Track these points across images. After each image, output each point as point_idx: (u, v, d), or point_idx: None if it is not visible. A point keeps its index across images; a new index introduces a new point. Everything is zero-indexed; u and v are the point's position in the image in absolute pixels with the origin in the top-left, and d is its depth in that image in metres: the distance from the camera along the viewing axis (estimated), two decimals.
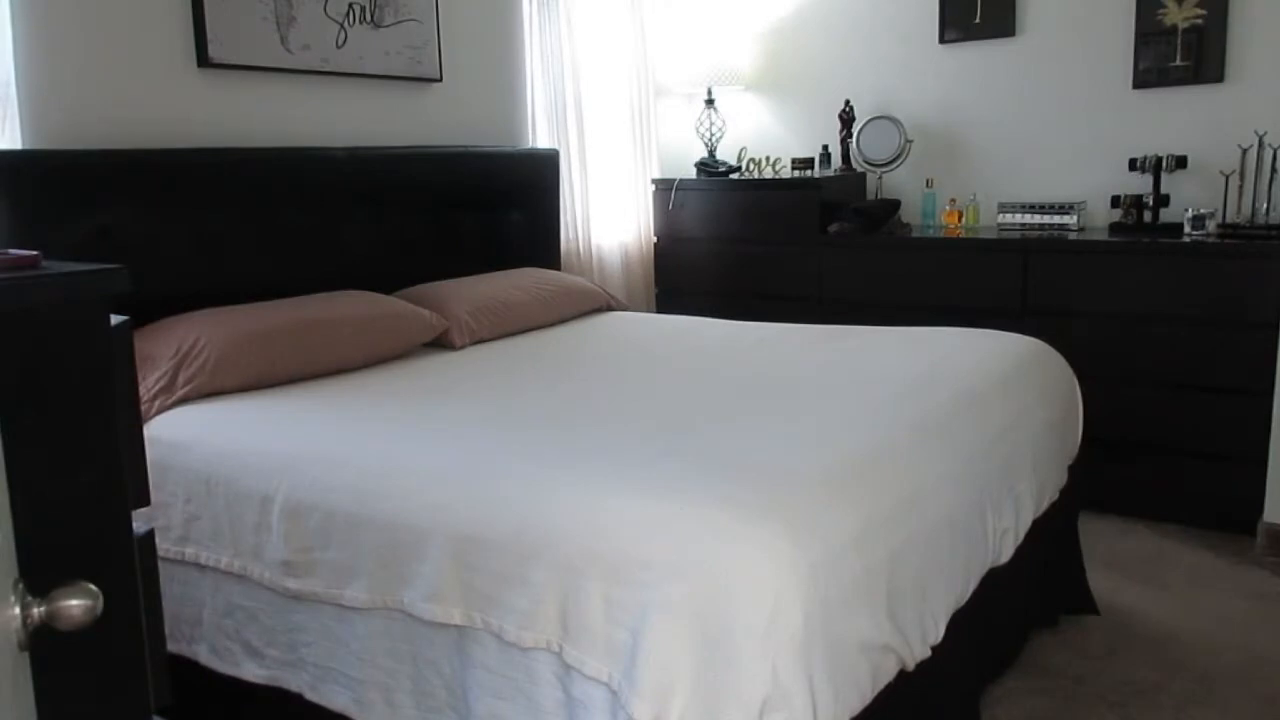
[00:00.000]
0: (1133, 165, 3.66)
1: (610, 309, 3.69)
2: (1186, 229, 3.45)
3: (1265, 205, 3.43)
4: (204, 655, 2.13)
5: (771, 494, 1.68)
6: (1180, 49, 3.62)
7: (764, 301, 3.99)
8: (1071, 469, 2.69)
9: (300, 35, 3.14)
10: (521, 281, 3.46)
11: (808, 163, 4.33)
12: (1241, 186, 3.48)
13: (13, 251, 0.92)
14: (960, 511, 1.98)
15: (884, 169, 4.21)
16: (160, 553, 2.01)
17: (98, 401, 0.89)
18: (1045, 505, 2.42)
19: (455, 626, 1.75)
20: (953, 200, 4.10)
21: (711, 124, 4.49)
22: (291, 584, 1.96)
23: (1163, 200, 3.61)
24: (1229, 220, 3.45)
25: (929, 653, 1.80)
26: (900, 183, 4.25)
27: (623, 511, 1.65)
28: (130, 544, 0.93)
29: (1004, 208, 3.92)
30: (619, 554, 1.59)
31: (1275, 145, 3.41)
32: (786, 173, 4.35)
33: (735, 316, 3.45)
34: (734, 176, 4.40)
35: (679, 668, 1.50)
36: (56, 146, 2.57)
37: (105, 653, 0.88)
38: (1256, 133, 3.42)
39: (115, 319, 0.95)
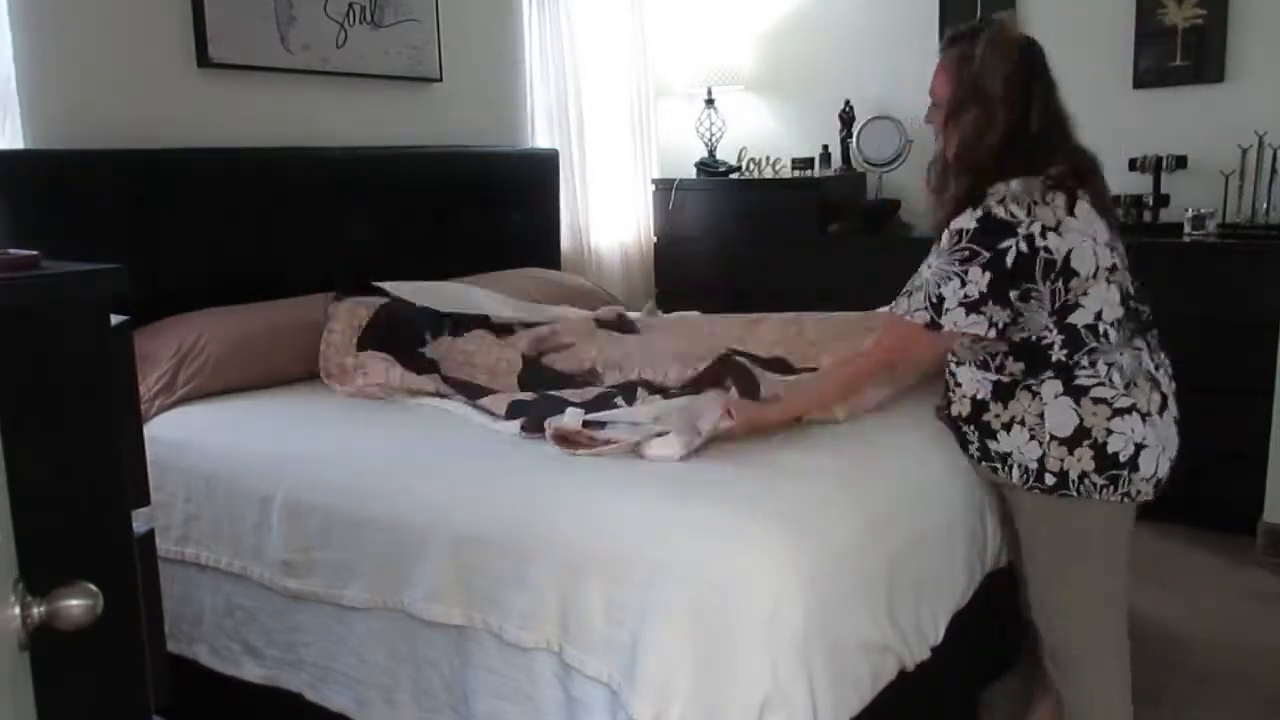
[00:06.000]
0: (1133, 165, 3.65)
1: None
2: (1186, 229, 3.44)
3: (1265, 205, 3.43)
4: (204, 655, 2.13)
5: (772, 495, 1.68)
6: (1180, 49, 3.62)
7: (764, 302, 3.97)
8: None
9: (300, 35, 3.13)
10: (521, 281, 3.46)
11: (808, 163, 4.32)
12: (1241, 186, 3.48)
13: (13, 251, 0.92)
14: (960, 512, 1.98)
15: (884, 169, 4.21)
16: (160, 553, 2.00)
17: (98, 401, 0.89)
18: None
19: (455, 626, 1.75)
20: None
21: (711, 124, 4.49)
22: (291, 584, 1.96)
23: (1163, 200, 3.61)
24: (1229, 220, 3.45)
25: (929, 653, 1.80)
26: (900, 183, 4.24)
27: (622, 512, 1.65)
28: (130, 544, 0.92)
29: None
30: (619, 554, 1.59)
31: (1275, 145, 3.41)
32: (786, 173, 4.34)
33: None
34: (734, 176, 4.40)
35: (679, 668, 1.50)
36: (56, 146, 2.57)
37: (105, 653, 0.88)
38: (1256, 133, 3.42)
39: (115, 319, 0.95)
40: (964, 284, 1.73)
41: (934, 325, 1.77)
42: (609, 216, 4.33)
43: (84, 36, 2.64)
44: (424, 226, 3.47)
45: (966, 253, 1.74)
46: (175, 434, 2.26)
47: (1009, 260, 1.71)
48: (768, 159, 4.43)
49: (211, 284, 2.78)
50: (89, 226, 2.53)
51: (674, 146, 4.67)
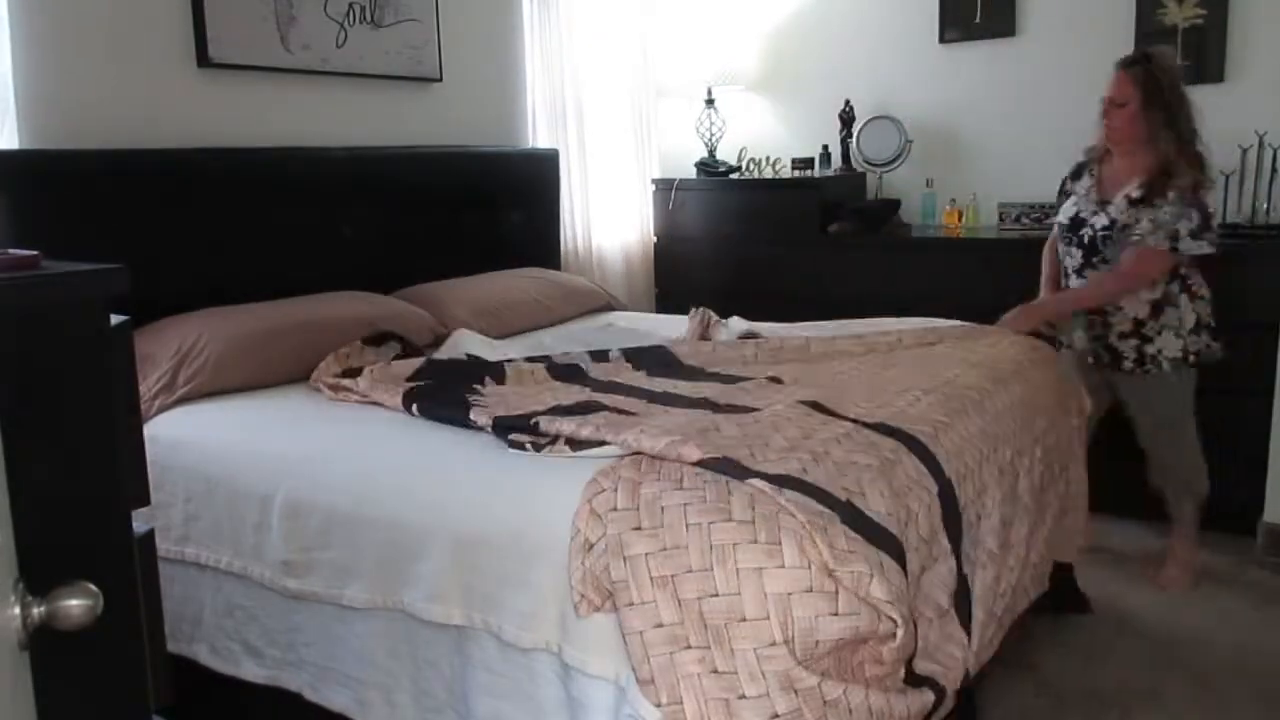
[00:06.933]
0: None
1: (610, 309, 3.69)
2: None
3: (1265, 205, 3.43)
4: (204, 655, 2.13)
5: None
6: (1180, 49, 3.61)
7: (764, 301, 3.98)
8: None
9: (300, 35, 3.13)
10: (521, 282, 3.46)
11: (808, 163, 4.32)
12: (1241, 186, 3.48)
13: (13, 251, 0.92)
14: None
15: (884, 169, 4.21)
16: (160, 553, 2.00)
17: (98, 401, 0.89)
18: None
19: (455, 626, 1.75)
20: (953, 200, 4.10)
21: (712, 124, 4.49)
22: (291, 584, 1.96)
23: None
24: (1229, 220, 3.45)
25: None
26: (900, 183, 4.25)
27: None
28: (130, 544, 0.92)
29: (1004, 208, 3.92)
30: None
31: (1275, 145, 3.41)
32: (786, 173, 4.34)
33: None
34: (734, 176, 4.40)
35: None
36: (56, 146, 2.57)
37: (105, 653, 0.88)
38: (1256, 133, 3.42)
39: (115, 319, 0.95)
40: (1187, 220, 2.68)
41: (1174, 250, 2.71)
42: (609, 216, 4.33)
43: (84, 37, 2.64)
44: (424, 226, 3.47)
45: (1191, 200, 2.68)
46: (175, 434, 2.26)
47: (1209, 205, 2.71)
48: (768, 159, 4.43)
49: (212, 284, 2.78)
50: (89, 226, 2.53)
51: (674, 146, 4.67)
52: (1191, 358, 2.83)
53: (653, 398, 2.17)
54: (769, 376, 2.34)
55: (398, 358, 2.63)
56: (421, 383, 2.33)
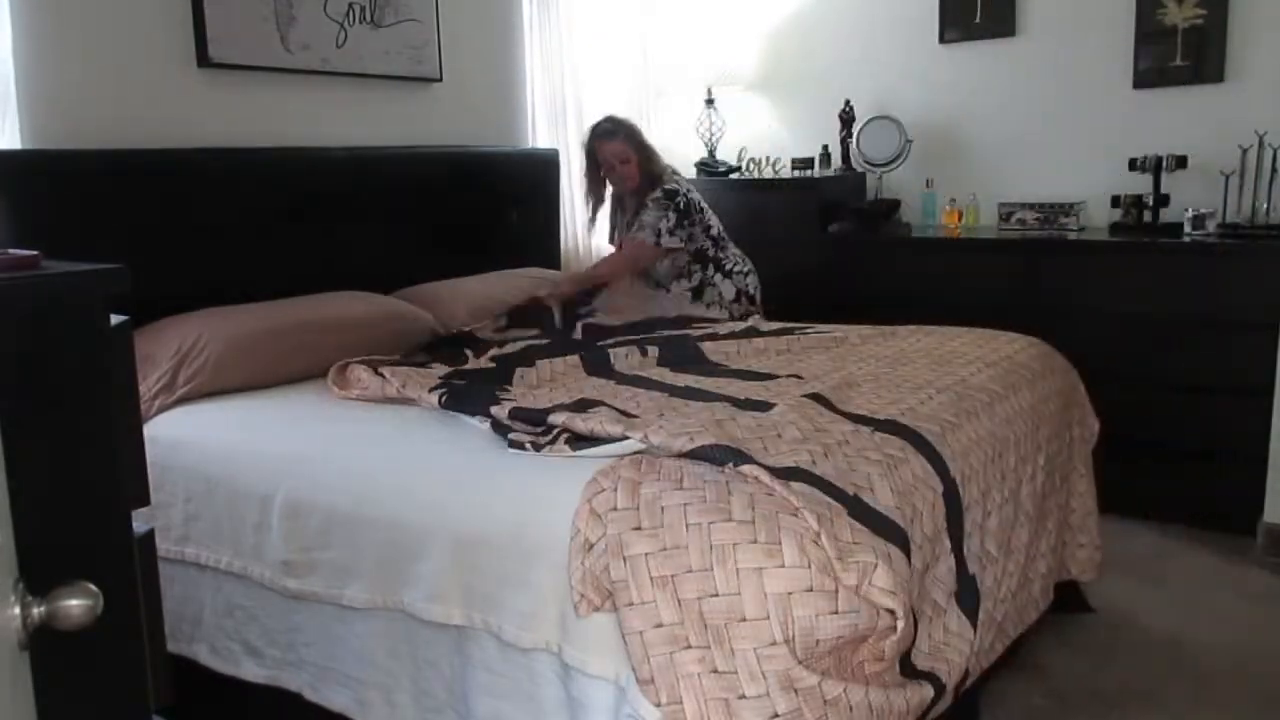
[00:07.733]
0: (1133, 165, 3.65)
1: None
2: (1186, 229, 3.45)
3: (1265, 205, 3.43)
4: (204, 655, 2.13)
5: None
6: (1180, 49, 3.62)
7: (763, 302, 3.98)
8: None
9: (300, 35, 3.13)
10: (522, 282, 3.46)
11: (808, 163, 4.32)
12: (1241, 186, 3.48)
13: (13, 251, 0.92)
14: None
15: (884, 169, 4.21)
16: (160, 553, 2.00)
17: (97, 401, 0.89)
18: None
19: (455, 626, 1.75)
20: (953, 200, 4.10)
21: (711, 124, 4.49)
22: (291, 584, 1.96)
23: (1163, 200, 3.61)
24: (1229, 220, 3.45)
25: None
26: (900, 183, 4.25)
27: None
28: (130, 544, 0.93)
29: (1004, 208, 3.92)
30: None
31: (1275, 145, 3.41)
32: (786, 173, 4.34)
33: None
34: (734, 176, 4.40)
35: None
36: (56, 146, 2.57)
37: (105, 653, 0.88)
38: (1256, 133, 3.42)
39: (115, 319, 0.95)
40: (665, 220, 3.36)
41: (656, 245, 3.37)
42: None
43: (84, 36, 2.64)
44: (424, 226, 3.47)
45: (664, 204, 3.38)
46: (175, 434, 2.26)
47: (681, 205, 3.39)
48: (768, 159, 4.43)
49: (212, 284, 2.78)
50: (89, 226, 2.53)
51: (674, 146, 4.66)
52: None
53: (674, 392, 2.18)
54: (791, 374, 2.35)
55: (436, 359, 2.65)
56: (455, 382, 2.34)
